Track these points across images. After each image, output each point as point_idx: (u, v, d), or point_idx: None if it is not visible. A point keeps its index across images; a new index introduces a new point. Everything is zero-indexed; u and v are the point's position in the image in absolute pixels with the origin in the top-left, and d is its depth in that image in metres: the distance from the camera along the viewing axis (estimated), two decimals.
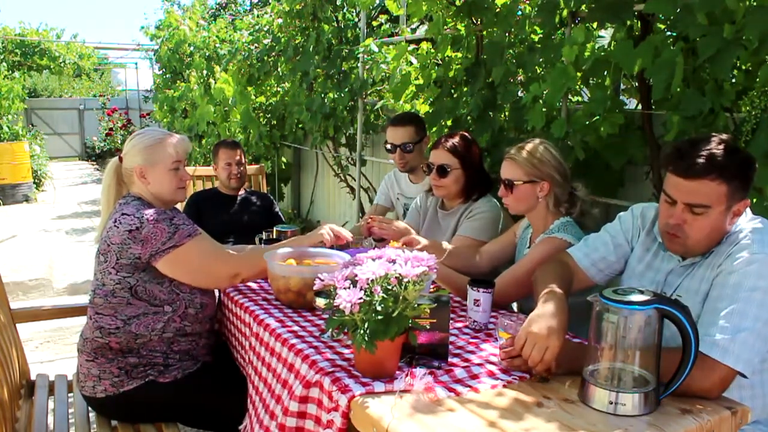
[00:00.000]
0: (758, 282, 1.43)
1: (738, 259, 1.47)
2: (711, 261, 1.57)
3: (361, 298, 1.36)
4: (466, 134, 2.59)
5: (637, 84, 2.65)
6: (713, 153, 1.47)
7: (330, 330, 1.46)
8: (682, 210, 1.52)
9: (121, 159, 2.14)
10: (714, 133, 1.54)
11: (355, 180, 5.16)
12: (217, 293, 2.29)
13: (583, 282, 1.84)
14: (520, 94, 2.94)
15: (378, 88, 4.61)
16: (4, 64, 11.29)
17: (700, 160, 1.47)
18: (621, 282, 1.81)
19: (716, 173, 1.46)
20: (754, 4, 1.89)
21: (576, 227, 2.09)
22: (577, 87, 2.68)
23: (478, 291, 1.85)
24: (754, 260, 1.45)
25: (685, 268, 1.64)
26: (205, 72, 6.78)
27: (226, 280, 2.09)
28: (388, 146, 3.01)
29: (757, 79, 1.94)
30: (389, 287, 1.40)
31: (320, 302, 1.79)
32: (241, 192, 3.68)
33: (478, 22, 3.08)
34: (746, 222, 1.56)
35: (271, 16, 5.63)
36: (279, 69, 5.61)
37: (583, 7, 2.51)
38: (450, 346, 1.64)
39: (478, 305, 1.85)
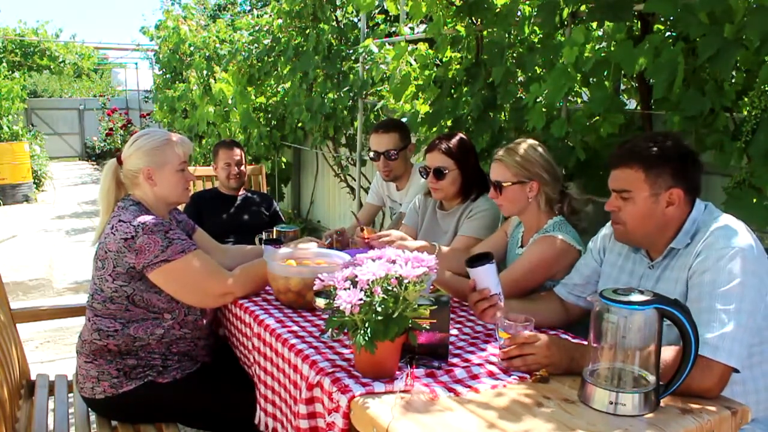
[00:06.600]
0: (732, 276, 1.46)
1: (709, 258, 1.52)
2: (680, 262, 1.61)
3: (361, 299, 1.36)
4: (461, 135, 2.58)
5: (637, 84, 2.65)
6: (634, 145, 1.65)
7: (330, 330, 1.46)
8: (615, 197, 1.68)
9: (120, 161, 2.13)
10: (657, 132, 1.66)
11: (355, 180, 5.16)
12: None
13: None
14: (520, 94, 2.94)
15: (378, 89, 4.61)
16: (4, 64, 11.29)
17: (621, 152, 1.68)
18: (598, 287, 1.85)
19: (633, 161, 1.63)
20: (754, 5, 1.89)
21: (569, 226, 2.10)
22: (577, 88, 2.68)
23: (478, 267, 1.75)
24: (723, 255, 1.50)
25: (654, 270, 1.69)
26: (205, 72, 6.77)
27: (217, 298, 2.07)
28: (372, 154, 2.98)
29: (757, 79, 1.94)
30: (389, 288, 1.40)
31: (320, 302, 1.79)
32: (241, 192, 3.69)
33: (478, 23, 3.08)
34: (709, 220, 1.60)
35: (270, 16, 5.63)
36: (279, 69, 5.60)
37: (583, 7, 2.51)
38: (450, 346, 1.64)
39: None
